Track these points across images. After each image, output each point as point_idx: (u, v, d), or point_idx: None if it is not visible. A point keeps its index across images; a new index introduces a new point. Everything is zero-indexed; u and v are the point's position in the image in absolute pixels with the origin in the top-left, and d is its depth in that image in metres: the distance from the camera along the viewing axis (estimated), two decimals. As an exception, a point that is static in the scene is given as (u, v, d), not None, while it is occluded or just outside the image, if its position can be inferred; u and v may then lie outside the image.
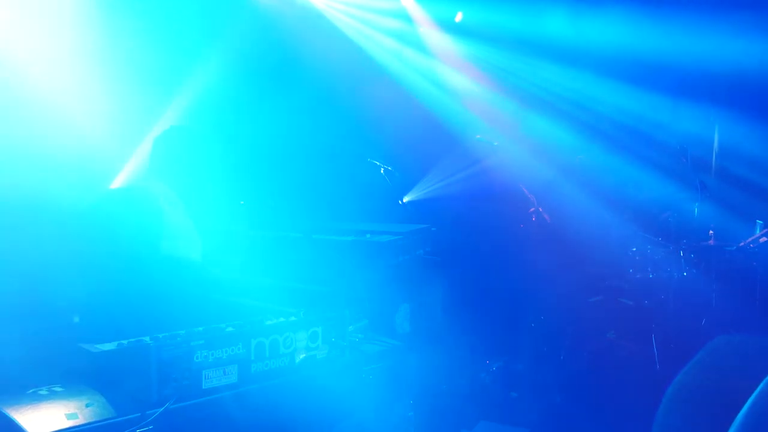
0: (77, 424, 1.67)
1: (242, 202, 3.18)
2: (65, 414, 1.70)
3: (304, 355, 2.10)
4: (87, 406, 1.75)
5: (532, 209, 3.96)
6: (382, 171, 3.58)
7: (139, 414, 1.74)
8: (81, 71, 2.77)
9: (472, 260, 3.78)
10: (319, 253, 2.78)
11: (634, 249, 3.81)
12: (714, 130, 4.24)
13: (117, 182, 2.86)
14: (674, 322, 3.54)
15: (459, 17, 4.45)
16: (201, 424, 1.86)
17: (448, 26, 4.42)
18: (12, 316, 2.02)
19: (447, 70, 4.46)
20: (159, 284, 2.26)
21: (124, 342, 1.85)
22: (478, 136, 4.02)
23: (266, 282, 2.63)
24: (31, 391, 1.83)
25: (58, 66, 2.75)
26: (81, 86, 2.73)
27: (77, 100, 2.69)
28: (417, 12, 4.35)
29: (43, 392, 1.82)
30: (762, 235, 3.65)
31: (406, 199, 4.01)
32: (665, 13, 4.13)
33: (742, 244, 3.69)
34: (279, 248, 2.92)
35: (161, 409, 1.77)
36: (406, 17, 4.36)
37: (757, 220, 3.74)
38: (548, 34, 4.21)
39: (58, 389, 1.84)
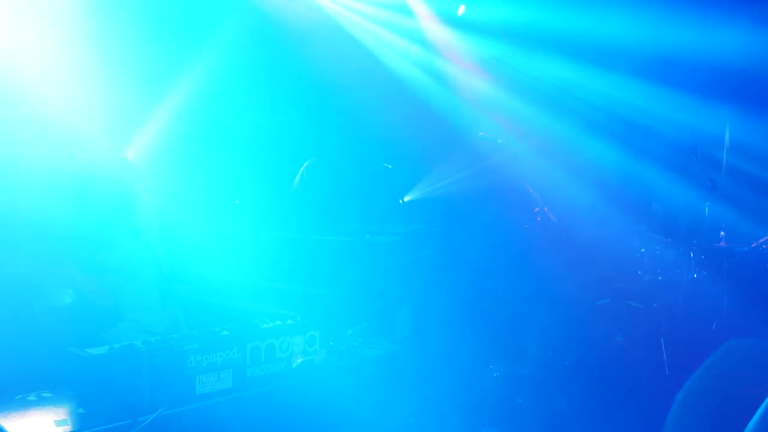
0: (67, 431, 1.63)
1: (237, 202, 3.14)
2: (54, 420, 1.67)
3: (301, 359, 2.06)
4: (77, 412, 1.71)
5: (537, 209, 3.89)
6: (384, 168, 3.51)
7: (131, 420, 1.70)
8: (76, 68, 2.74)
9: (475, 262, 3.72)
10: (317, 254, 2.74)
11: (643, 250, 3.73)
12: (725, 127, 4.14)
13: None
14: (684, 325, 3.46)
15: (461, 11, 4.38)
16: (195, 431, 1.81)
17: (450, 20, 4.35)
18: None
19: (449, 66, 4.39)
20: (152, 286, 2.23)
21: (116, 346, 1.80)
22: (481, 134, 3.95)
23: (262, 284, 2.58)
24: (19, 397, 1.80)
25: (54, 65, 2.72)
26: (76, 85, 2.69)
27: (73, 98, 2.66)
28: (418, 6, 4.28)
29: (32, 398, 1.79)
30: (774, 236, 3.56)
31: (406, 198, 3.94)
32: (674, 8, 4.04)
33: (754, 245, 3.61)
34: (275, 249, 2.87)
35: (153, 415, 1.73)
36: (407, 11, 4.30)
37: (770, 220, 3.65)
38: (553, 28, 4.13)
39: (47, 395, 1.80)
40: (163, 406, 1.75)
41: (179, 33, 3.40)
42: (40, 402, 1.77)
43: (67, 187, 2.17)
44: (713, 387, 2.75)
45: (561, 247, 3.70)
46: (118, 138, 2.62)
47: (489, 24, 4.29)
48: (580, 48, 4.13)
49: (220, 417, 1.86)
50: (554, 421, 3.06)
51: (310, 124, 4.08)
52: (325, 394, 2.06)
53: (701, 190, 3.71)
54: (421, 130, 4.03)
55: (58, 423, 1.66)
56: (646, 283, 3.68)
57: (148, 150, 2.90)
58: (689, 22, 3.97)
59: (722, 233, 3.70)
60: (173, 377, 1.79)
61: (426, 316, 3.20)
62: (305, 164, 3.34)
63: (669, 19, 4.06)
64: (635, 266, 3.73)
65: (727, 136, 4.13)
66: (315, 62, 3.97)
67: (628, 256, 3.76)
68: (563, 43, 4.15)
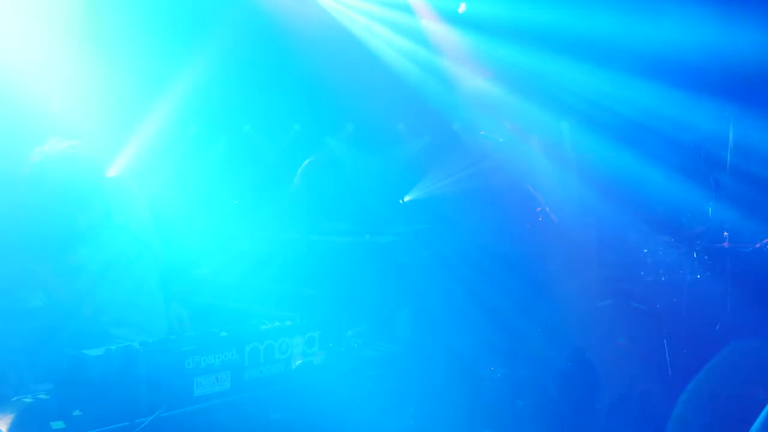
0: (63, 433, 1.61)
1: (236, 201, 3.13)
2: (51, 423, 1.65)
3: (300, 361, 2.04)
4: (73, 414, 1.69)
5: (539, 209, 3.87)
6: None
7: (128, 422, 1.68)
8: (74, 65, 2.72)
9: (476, 262, 3.70)
10: (317, 254, 2.72)
11: (646, 250, 3.71)
12: (729, 127, 4.11)
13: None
14: (687, 326, 3.45)
15: (462, 8, 4.35)
16: (193, 433, 1.79)
17: (451, 18, 4.33)
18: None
19: (449, 64, 4.37)
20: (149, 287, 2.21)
21: (113, 347, 1.79)
22: (482, 133, 3.93)
23: (261, 285, 2.57)
24: (15, 398, 1.78)
25: (53, 63, 2.71)
26: (75, 82, 2.68)
27: (71, 97, 2.64)
28: (418, 3, 4.27)
29: (28, 400, 1.77)
30: (779, 236, 3.53)
31: (407, 198, 3.93)
32: (678, 6, 4.01)
33: (758, 245, 3.59)
34: (274, 249, 2.86)
35: (151, 418, 1.71)
36: (407, 9, 4.28)
37: (774, 220, 3.62)
38: (555, 26, 4.10)
39: (44, 397, 1.78)
40: (160, 408, 1.73)
41: (177, 30, 3.39)
42: (37, 404, 1.76)
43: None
44: (716, 389, 2.73)
45: (563, 247, 3.68)
46: (115, 135, 2.59)
47: (490, 22, 4.26)
48: (583, 46, 4.10)
49: (218, 419, 1.85)
50: (555, 422, 3.05)
51: (309, 123, 4.07)
52: (325, 395, 2.04)
53: (705, 189, 3.68)
54: (421, 128, 4.02)
55: (55, 425, 1.64)
56: (649, 283, 3.67)
57: (146, 151, 2.89)
58: (692, 20, 3.94)
59: (726, 233, 3.67)
60: (171, 379, 1.78)
61: (426, 317, 3.18)
62: (304, 164, 3.32)
63: (672, 15, 4.03)
64: (638, 267, 3.71)
65: (731, 135, 4.10)
66: (314, 60, 3.96)
67: (631, 257, 3.74)
68: (565, 41, 4.12)
